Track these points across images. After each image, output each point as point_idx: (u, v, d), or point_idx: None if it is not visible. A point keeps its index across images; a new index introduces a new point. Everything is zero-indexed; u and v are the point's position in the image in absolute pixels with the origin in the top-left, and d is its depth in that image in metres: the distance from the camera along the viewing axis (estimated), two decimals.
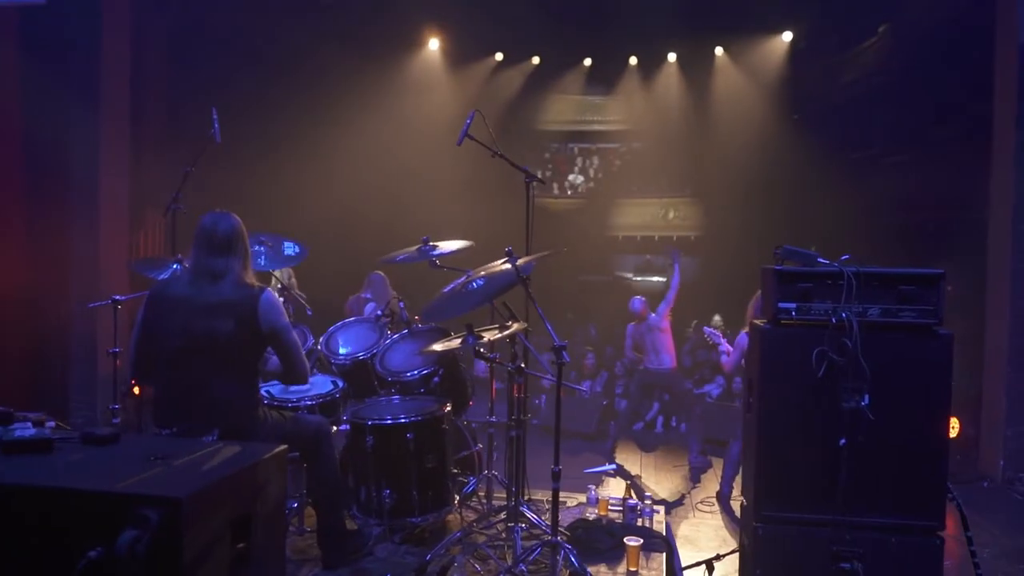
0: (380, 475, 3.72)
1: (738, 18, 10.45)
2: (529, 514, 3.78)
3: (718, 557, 3.96)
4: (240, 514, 2.43)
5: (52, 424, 2.73)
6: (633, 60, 12.59)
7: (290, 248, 4.54)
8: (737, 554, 3.86)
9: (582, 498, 4.60)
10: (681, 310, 8.17)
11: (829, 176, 9.67)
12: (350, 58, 10.17)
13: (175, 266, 4.30)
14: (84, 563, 2.10)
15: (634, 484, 6.22)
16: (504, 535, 3.78)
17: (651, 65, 12.45)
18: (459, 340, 3.57)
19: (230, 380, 3.17)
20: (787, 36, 11.06)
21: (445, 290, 3.81)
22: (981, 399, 6.71)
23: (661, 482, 6.17)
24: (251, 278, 3.26)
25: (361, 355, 4.28)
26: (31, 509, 2.20)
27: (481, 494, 4.28)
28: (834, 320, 3.31)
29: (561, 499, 4.18)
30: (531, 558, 3.42)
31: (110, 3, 7.67)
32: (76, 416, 7.73)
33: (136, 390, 8.22)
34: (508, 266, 3.51)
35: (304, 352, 3.48)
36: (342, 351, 4.43)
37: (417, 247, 4.22)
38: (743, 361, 5.63)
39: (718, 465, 6.93)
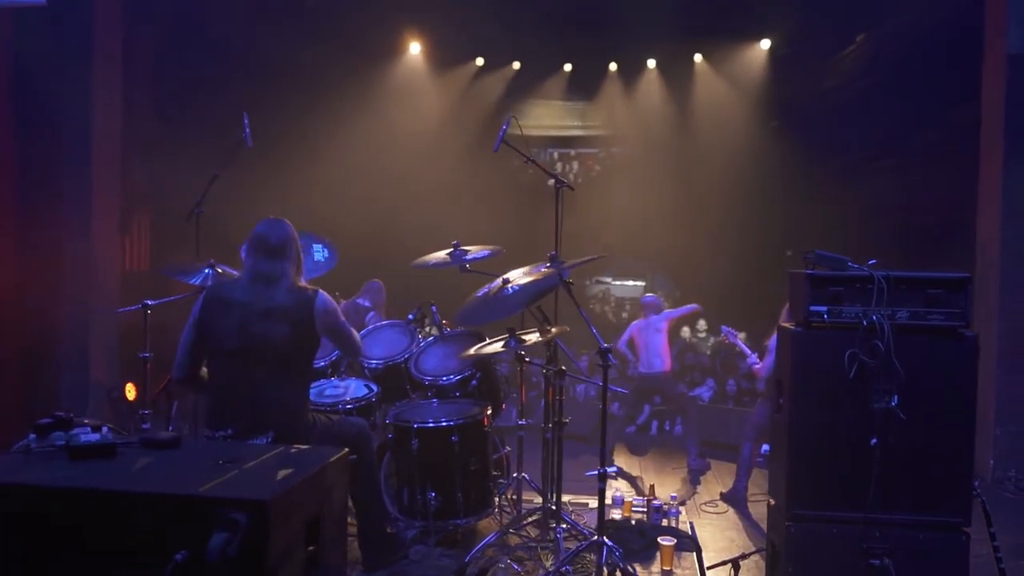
0: (425, 477, 3.74)
1: (715, 26, 10.60)
2: (564, 516, 3.83)
3: (744, 556, 4.04)
4: (312, 516, 2.45)
5: (106, 429, 2.71)
6: (613, 66, 12.71)
7: (319, 252, 4.54)
8: (757, 554, 3.94)
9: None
10: None
11: (815, 181, 9.86)
12: (335, 61, 10.18)
13: (207, 270, 4.27)
14: (172, 567, 2.11)
15: (636, 487, 6.30)
16: (539, 536, 3.82)
17: (631, 71, 12.58)
18: (501, 344, 3.61)
19: (285, 383, 3.18)
20: (765, 44, 11.24)
21: (478, 294, 3.84)
22: None
23: (663, 484, 6.22)
24: (303, 282, 3.28)
25: (396, 359, 4.29)
26: (113, 514, 2.20)
27: (511, 496, 4.31)
28: (865, 323, 3.40)
29: (583, 500, 4.23)
30: (574, 558, 3.46)
31: (103, 4, 7.59)
32: None
33: (131, 395, 8.14)
34: (543, 271, 3.55)
35: (335, 359, 3.51)
36: (375, 355, 4.42)
37: (448, 251, 4.25)
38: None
39: (716, 467, 7.03)
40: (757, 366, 6.01)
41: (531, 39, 11.53)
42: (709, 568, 4.03)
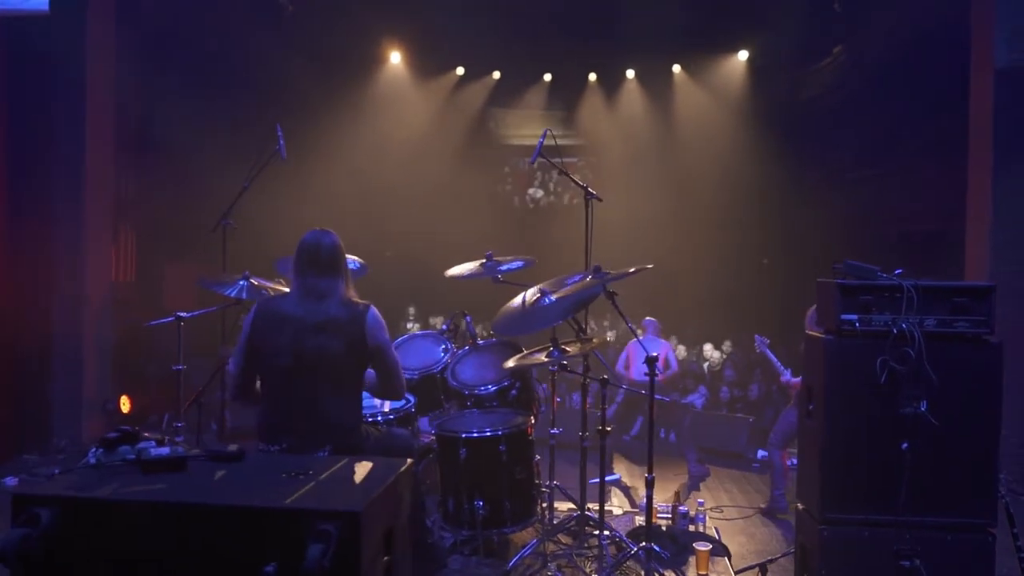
0: (473, 487, 3.76)
1: (691, 37, 10.76)
2: (607, 524, 3.87)
3: (772, 560, 4.12)
4: (387, 527, 2.47)
5: (179, 441, 2.71)
6: (592, 76, 12.84)
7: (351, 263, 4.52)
8: (784, 557, 4.01)
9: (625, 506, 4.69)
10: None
11: (800, 191, 10.04)
12: (319, 71, 10.22)
13: (242, 282, 4.25)
14: None
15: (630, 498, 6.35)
16: (575, 544, 3.86)
17: (611, 82, 12.72)
18: (544, 354, 3.65)
19: (340, 397, 3.18)
20: (743, 55, 11.44)
21: (514, 304, 3.88)
22: None
23: (667, 491, 6.30)
24: (354, 294, 3.29)
25: (431, 369, 4.31)
26: (200, 527, 2.20)
27: (542, 505, 4.35)
28: (895, 331, 3.50)
29: (607, 507, 4.28)
30: (621, 565, 3.51)
31: (95, 14, 7.54)
32: (59, 437, 7.49)
33: (125, 407, 8.04)
34: (584, 282, 3.60)
35: None
36: (410, 365, 4.42)
37: (480, 262, 4.29)
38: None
39: (716, 474, 7.12)
40: (793, 380, 5.99)
41: (510, 49, 11.65)
42: (738, 572, 4.11)
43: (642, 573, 3.44)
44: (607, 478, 6.76)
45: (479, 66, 12.38)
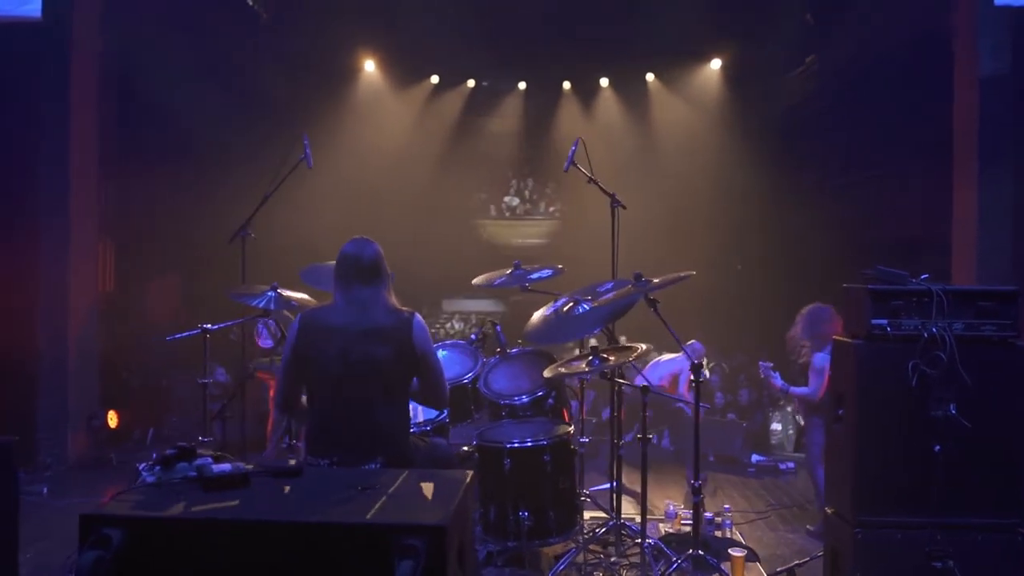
0: (518, 497, 3.73)
1: (663, 46, 10.87)
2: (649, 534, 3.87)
3: (800, 564, 4.16)
4: (460, 541, 2.44)
5: (238, 460, 2.64)
6: (567, 85, 12.90)
7: None
8: (811, 561, 4.04)
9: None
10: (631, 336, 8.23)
11: (781, 198, 10.17)
12: (293, 78, 10.15)
13: (271, 293, 4.17)
14: None
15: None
16: (607, 553, 3.85)
17: (586, 90, 12.78)
18: (585, 363, 3.64)
19: (390, 407, 3.14)
20: (716, 63, 11.57)
21: (547, 312, 3.87)
22: None
23: (670, 497, 6.32)
24: (396, 302, 3.25)
25: (462, 379, 4.26)
26: (282, 545, 2.15)
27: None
28: (926, 335, 3.56)
29: (628, 515, 4.27)
30: (669, 573, 3.51)
31: (81, 23, 7.40)
32: (45, 454, 7.28)
33: (112, 422, 7.85)
34: (623, 289, 3.60)
35: None
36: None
37: (509, 271, 4.27)
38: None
39: (713, 479, 7.14)
40: (802, 391, 5.84)
41: (483, 57, 11.70)
42: None
43: None
44: (606, 485, 6.78)
45: (453, 74, 12.37)
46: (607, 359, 3.69)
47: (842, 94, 9.55)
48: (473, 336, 4.48)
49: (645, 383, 3.81)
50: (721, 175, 10.94)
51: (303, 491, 2.46)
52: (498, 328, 4.39)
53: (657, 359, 7.50)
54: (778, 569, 4.10)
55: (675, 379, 7.38)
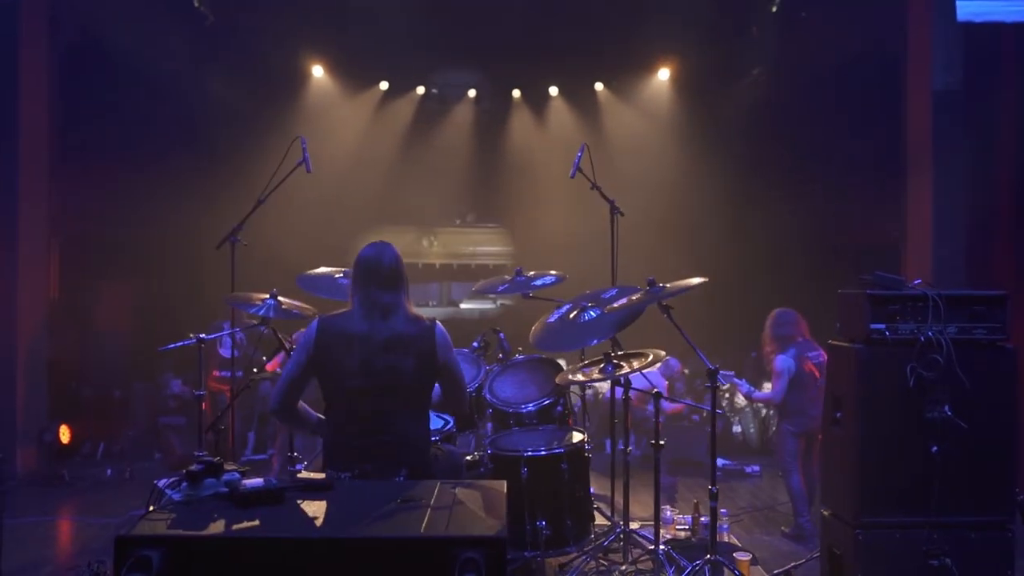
0: (535, 506, 3.66)
1: (610, 56, 10.98)
2: (640, 537, 3.87)
3: (797, 565, 4.21)
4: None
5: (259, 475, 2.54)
6: (516, 93, 12.91)
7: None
8: (808, 562, 4.09)
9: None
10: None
11: (734, 206, 10.35)
12: (241, 83, 9.95)
13: (270, 300, 4.03)
14: None
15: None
16: (610, 561, 3.83)
17: (536, 99, 12.81)
18: (598, 370, 3.62)
19: (412, 418, 3.05)
20: (664, 74, 11.72)
21: (550, 320, 3.84)
22: None
23: (640, 502, 6.35)
24: (414, 309, 3.16)
25: (468, 387, 4.18)
26: (332, 563, 2.06)
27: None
28: (923, 338, 3.65)
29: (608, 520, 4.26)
30: None
31: (28, 27, 7.12)
32: None
33: (64, 437, 7.51)
34: (633, 295, 3.59)
35: None
36: None
37: (511, 278, 4.22)
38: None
39: (683, 484, 7.20)
40: (764, 395, 5.97)
41: (432, 64, 11.64)
42: None
43: None
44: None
45: (403, 81, 12.27)
46: (620, 366, 3.68)
47: (794, 106, 9.76)
48: (475, 344, 4.42)
49: (657, 388, 3.81)
50: (674, 184, 11.07)
51: (342, 506, 2.37)
52: (501, 336, 4.35)
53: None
54: (775, 572, 4.14)
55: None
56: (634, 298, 3.60)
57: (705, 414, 7.28)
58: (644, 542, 4.01)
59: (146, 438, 8.10)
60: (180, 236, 9.22)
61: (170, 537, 2.08)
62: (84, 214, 8.41)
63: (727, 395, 8.53)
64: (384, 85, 12.20)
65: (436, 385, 3.19)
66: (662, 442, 3.93)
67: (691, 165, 10.90)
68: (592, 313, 3.84)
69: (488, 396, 4.21)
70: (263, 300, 4.07)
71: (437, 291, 13.72)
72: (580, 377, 3.81)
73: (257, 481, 2.39)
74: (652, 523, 4.47)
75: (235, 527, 2.13)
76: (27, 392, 7.16)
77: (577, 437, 3.86)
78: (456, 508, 2.32)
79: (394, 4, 10.05)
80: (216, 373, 7.44)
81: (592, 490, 4.07)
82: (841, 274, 8.71)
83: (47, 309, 7.59)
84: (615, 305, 3.63)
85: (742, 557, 3.93)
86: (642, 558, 3.93)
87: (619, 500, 3.94)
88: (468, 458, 3.92)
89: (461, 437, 4.15)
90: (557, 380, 3.99)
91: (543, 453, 3.73)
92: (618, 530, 4.08)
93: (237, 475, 2.44)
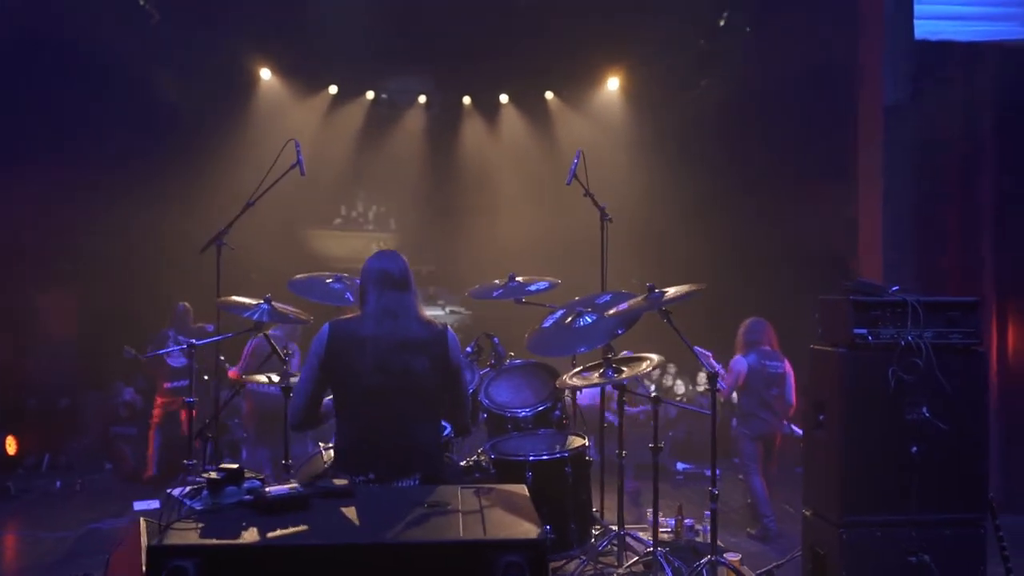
0: (539, 510, 3.63)
1: (561, 65, 11.10)
2: (632, 540, 3.89)
3: (779, 565, 4.30)
4: None
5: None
6: (467, 100, 12.93)
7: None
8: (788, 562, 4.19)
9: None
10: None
11: (687, 214, 10.52)
12: (188, 83, 9.75)
13: (264, 305, 3.93)
14: None
15: None
16: (604, 565, 3.85)
17: (487, 106, 12.85)
18: (598, 374, 3.63)
19: (427, 421, 3.02)
20: (614, 83, 11.88)
21: (545, 324, 3.85)
22: None
23: (608, 505, 6.40)
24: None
25: None
26: (374, 567, 2.04)
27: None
28: (903, 343, 3.78)
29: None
30: None
31: None
32: None
33: (11, 448, 7.22)
34: (632, 300, 3.62)
35: None
36: None
37: (504, 283, 4.20)
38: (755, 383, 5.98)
39: (646, 489, 7.27)
40: (720, 385, 6.09)
41: (382, 69, 11.61)
42: None
43: None
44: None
45: (353, 85, 12.18)
46: (621, 370, 3.72)
47: (746, 117, 10.00)
48: (468, 349, 4.40)
49: (656, 395, 3.86)
50: (628, 192, 11.19)
51: (369, 511, 2.35)
52: (495, 340, 4.34)
53: None
54: (758, 572, 4.23)
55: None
56: (634, 303, 3.64)
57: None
58: (636, 545, 4.04)
59: (96, 448, 7.83)
60: (128, 242, 8.98)
61: (205, 547, 2.03)
62: (25, 221, 8.13)
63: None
64: (333, 89, 12.08)
65: None
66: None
67: (642, 173, 11.05)
68: (588, 319, 3.87)
69: (484, 400, 4.19)
70: (256, 304, 3.99)
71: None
72: (579, 382, 3.84)
73: (282, 488, 2.34)
74: (636, 527, 4.53)
75: (270, 535, 2.08)
76: None
77: (578, 441, 3.88)
78: (486, 512, 2.31)
79: (343, 8, 10.02)
80: (166, 385, 7.23)
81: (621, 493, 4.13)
82: (792, 281, 8.99)
83: None
84: (615, 311, 3.67)
85: (731, 557, 4.01)
86: (636, 561, 3.96)
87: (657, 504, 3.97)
88: (463, 464, 3.90)
89: (456, 442, 4.11)
90: (557, 384, 4.01)
91: (548, 457, 3.74)
92: (612, 534, 4.11)
93: (258, 483, 2.39)
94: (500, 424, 4.02)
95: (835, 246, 8.42)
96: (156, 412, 7.24)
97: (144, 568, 1.99)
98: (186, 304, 7.46)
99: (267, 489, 2.33)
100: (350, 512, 2.32)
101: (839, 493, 3.82)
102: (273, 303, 3.97)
